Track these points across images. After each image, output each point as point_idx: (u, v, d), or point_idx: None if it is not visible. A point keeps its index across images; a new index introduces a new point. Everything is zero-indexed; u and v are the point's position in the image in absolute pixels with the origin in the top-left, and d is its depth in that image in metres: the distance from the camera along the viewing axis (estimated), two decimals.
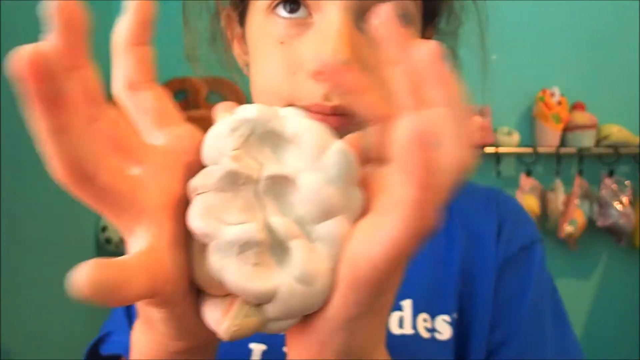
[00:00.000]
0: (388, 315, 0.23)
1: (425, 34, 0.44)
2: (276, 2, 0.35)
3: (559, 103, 1.32)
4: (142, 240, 0.19)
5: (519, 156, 1.35)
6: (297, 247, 0.19)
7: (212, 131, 0.21)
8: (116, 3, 1.20)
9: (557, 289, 0.46)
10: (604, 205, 1.32)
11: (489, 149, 1.29)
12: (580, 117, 1.32)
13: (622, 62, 1.40)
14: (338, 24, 0.33)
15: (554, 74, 1.38)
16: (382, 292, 0.20)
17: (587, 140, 1.31)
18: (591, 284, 1.43)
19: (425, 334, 0.37)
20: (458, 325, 0.38)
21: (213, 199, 0.19)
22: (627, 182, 1.34)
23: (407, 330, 0.38)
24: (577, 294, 1.42)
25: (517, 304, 0.41)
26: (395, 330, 0.38)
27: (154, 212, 0.20)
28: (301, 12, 0.35)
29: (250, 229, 0.19)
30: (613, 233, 1.33)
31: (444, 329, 0.38)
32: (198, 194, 0.19)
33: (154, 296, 0.19)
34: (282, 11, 0.35)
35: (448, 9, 0.47)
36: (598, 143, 1.34)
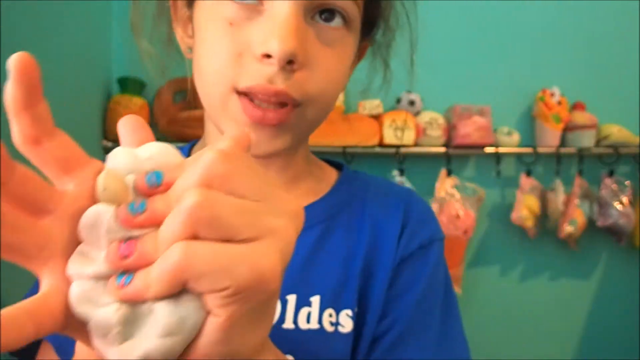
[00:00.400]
0: (270, 322, 0.24)
1: (362, 44, 0.46)
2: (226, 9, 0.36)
3: (559, 103, 1.32)
4: (44, 286, 0.21)
5: (519, 156, 1.35)
6: (159, 308, 0.20)
7: (87, 215, 0.21)
8: (116, 3, 1.20)
9: (453, 290, 0.47)
10: (604, 205, 1.32)
11: (489, 149, 1.30)
12: (580, 117, 1.32)
13: (622, 62, 1.41)
14: (287, 14, 0.34)
15: (554, 74, 1.38)
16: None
17: (587, 140, 1.31)
18: (591, 284, 1.43)
19: (329, 328, 0.39)
20: (356, 319, 0.40)
21: (89, 285, 0.20)
22: (627, 182, 1.34)
23: (313, 325, 0.39)
24: (577, 294, 1.42)
25: (406, 295, 0.42)
26: (302, 325, 0.39)
27: (56, 258, 0.21)
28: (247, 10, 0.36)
29: (107, 312, 0.20)
30: (613, 233, 1.33)
31: (346, 322, 0.40)
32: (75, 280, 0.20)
33: (42, 335, 0.20)
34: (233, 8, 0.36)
35: (384, 21, 0.49)
36: (598, 143, 1.34)
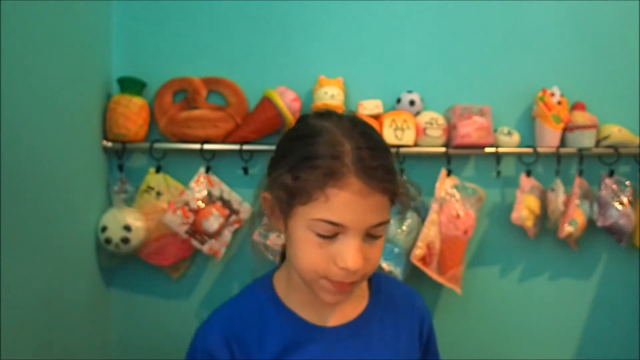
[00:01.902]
0: None
1: None
2: (318, 232, 0.63)
3: (559, 103, 1.32)
4: None
5: (519, 156, 1.35)
6: None
7: None
8: (116, 3, 1.21)
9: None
10: (604, 205, 1.32)
11: (489, 149, 1.30)
12: (580, 117, 1.32)
13: (622, 62, 1.41)
14: (354, 245, 0.63)
15: (554, 74, 1.38)
16: None
17: (587, 140, 1.31)
18: (591, 284, 1.43)
19: None
20: None
21: None
22: (627, 182, 1.34)
23: None
24: (577, 294, 1.42)
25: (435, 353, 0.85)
26: None
27: None
28: (333, 238, 0.63)
29: None
30: (613, 233, 1.33)
31: None
32: None
33: None
34: (322, 237, 0.63)
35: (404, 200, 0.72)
36: (598, 143, 1.34)
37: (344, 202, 0.61)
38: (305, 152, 0.63)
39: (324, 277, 0.64)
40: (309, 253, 0.64)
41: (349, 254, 0.62)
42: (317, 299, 0.69)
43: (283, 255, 0.82)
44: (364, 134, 0.65)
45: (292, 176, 0.63)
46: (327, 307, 0.74)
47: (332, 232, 0.63)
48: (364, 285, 0.78)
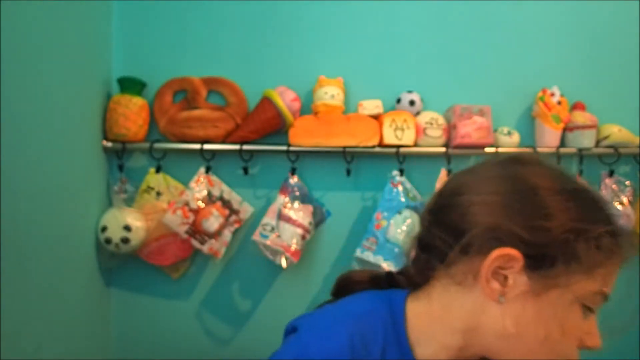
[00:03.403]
0: None
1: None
2: (589, 306, 0.55)
3: (559, 103, 1.32)
4: None
5: None
6: None
7: None
8: (116, 3, 1.21)
9: None
10: None
11: (489, 149, 1.30)
12: (580, 117, 1.32)
13: (622, 62, 1.40)
14: (596, 323, 0.57)
15: (554, 74, 1.38)
16: None
17: (587, 140, 1.31)
18: None
19: None
20: None
21: None
22: (627, 182, 1.34)
23: None
24: None
25: None
26: None
27: None
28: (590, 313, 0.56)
29: None
30: None
31: None
32: None
33: None
34: (587, 312, 0.56)
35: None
36: (598, 143, 1.34)
37: (616, 272, 0.57)
38: (603, 210, 0.56)
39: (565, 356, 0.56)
40: (571, 334, 0.55)
41: (597, 332, 0.57)
42: None
43: (338, 289, 0.71)
44: None
45: (591, 238, 0.53)
46: None
47: (598, 306, 0.56)
48: None
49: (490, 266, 0.54)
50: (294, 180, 1.26)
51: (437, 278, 0.61)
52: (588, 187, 0.58)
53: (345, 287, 0.72)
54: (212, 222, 1.20)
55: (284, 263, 1.20)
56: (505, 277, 0.55)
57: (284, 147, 1.25)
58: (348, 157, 1.27)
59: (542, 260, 0.53)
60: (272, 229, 1.21)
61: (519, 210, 0.54)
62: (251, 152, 1.27)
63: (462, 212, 0.57)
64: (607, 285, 0.55)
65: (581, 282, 0.53)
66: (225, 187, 1.26)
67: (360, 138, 1.24)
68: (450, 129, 1.29)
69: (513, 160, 0.61)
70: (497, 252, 0.54)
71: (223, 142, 1.26)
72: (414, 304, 0.62)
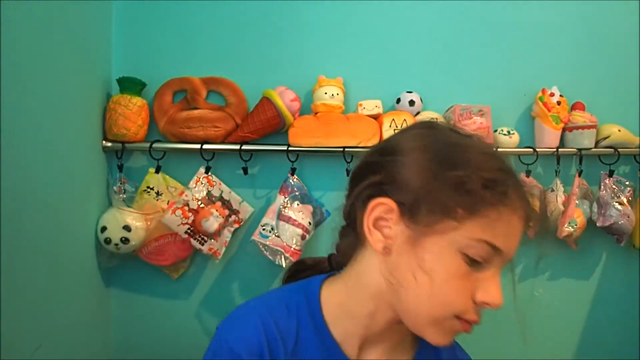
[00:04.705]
0: None
1: None
2: (472, 256, 0.54)
3: (559, 103, 1.32)
4: None
5: (518, 156, 1.35)
6: None
7: None
8: (116, 3, 1.21)
9: None
10: (604, 205, 1.32)
11: None
12: (580, 117, 1.32)
13: (622, 62, 1.40)
14: (499, 277, 0.57)
15: (554, 74, 1.38)
16: None
17: (586, 140, 1.31)
18: (591, 284, 1.43)
19: None
20: None
21: None
22: (627, 182, 1.34)
23: None
24: (577, 294, 1.42)
25: None
26: None
27: None
28: (478, 267, 0.56)
29: None
30: (613, 233, 1.33)
31: None
32: None
33: None
34: (470, 263, 0.55)
35: None
36: (598, 143, 1.34)
37: (512, 226, 0.55)
38: (478, 160, 0.56)
39: (456, 314, 0.56)
40: (453, 283, 0.54)
41: (496, 288, 0.56)
42: (368, 335, 0.62)
43: (290, 276, 0.76)
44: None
45: (459, 183, 0.54)
46: (374, 349, 0.65)
47: (485, 259, 0.55)
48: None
49: (370, 216, 0.59)
50: (293, 180, 1.26)
51: (353, 248, 0.66)
52: (477, 144, 0.60)
53: (293, 274, 0.77)
54: (212, 222, 1.20)
55: (283, 263, 1.20)
56: (387, 228, 0.58)
57: (284, 147, 1.25)
58: (348, 157, 1.27)
59: (413, 208, 0.56)
60: (272, 229, 1.21)
61: (390, 166, 0.59)
62: (251, 152, 1.27)
63: (353, 175, 0.66)
64: (495, 238, 0.54)
65: (457, 230, 0.54)
66: (224, 187, 1.26)
67: (360, 138, 1.24)
68: None
69: (410, 126, 0.68)
70: (373, 203, 0.59)
71: (223, 142, 1.26)
72: (330, 285, 0.67)
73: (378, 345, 0.65)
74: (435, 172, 0.55)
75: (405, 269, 0.56)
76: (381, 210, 0.58)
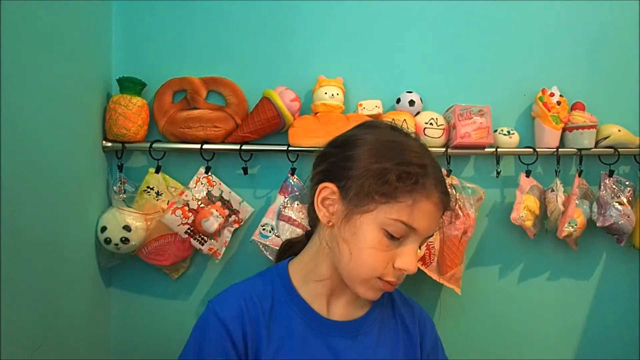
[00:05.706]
0: None
1: None
2: (390, 232, 0.70)
3: (559, 103, 1.32)
4: None
5: (518, 156, 1.35)
6: None
7: None
8: (116, 3, 1.21)
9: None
10: (604, 205, 1.32)
11: (489, 149, 1.30)
12: (580, 117, 1.32)
13: (622, 62, 1.41)
14: (415, 249, 0.72)
15: (554, 74, 1.38)
16: None
17: (586, 140, 1.31)
18: (591, 284, 1.43)
19: None
20: None
21: None
22: (627, 182, 1.34)
23: None
24: (577, 294, 1.42)
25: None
26: None
27: None
28: (398, 240, 0.71)
29: None
30: (613, 233, 1.33)
31: None
32: None
33: None
34: (390, 237, 0.70)
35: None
36: (598, 143, 1.34)
37: (425, 210, 0.70)
38: (400, 156, 0.71)
39: (378, 276, 0.71)
40: (374, 252, 0.70)
41: (411, 258, 0.71)
42: (331, 293, 0.79)
43: (281, 253, 0.91)
44: (432, 155, 0.76)
45: (380, 174, 0.69)
46: (337, 303, 0.80)
47: (402, 235, 0.71)
48: None
49: (318, 196, 0.75)
50: (293, 180, 1.26)
51: (315, 223, 0.82)
52: (405, 142, 0.75)
53: (283, 252, 0.92)
54: (212, 222, 1.20)
55: None
56: (331, 206, 0.75)
57: (284, 147, 1.25)
58: None
59: (347, 191, 0.71)
60: (272, 229, 1.21)
61: (337, 157, 0.76)
62: (251, 152, 1.27)
63: (313, 163, 0.82)
64: (410, 219, 0.69)
65: (377, 211, 0.70)
66: (224, 187, 1.26)
67: None
68: (450, 129, 1.29)
69: (357, 125, 0.85)
70: (320, 186, 0.75)
71: (223, 142, 1.26)
72: (296, 260, 0.83)
73: (341, 299, 0.81)
74: (365, 164, 0.71)
75: (339, 239, 0.73)
76: (326, 192, 0.75)
